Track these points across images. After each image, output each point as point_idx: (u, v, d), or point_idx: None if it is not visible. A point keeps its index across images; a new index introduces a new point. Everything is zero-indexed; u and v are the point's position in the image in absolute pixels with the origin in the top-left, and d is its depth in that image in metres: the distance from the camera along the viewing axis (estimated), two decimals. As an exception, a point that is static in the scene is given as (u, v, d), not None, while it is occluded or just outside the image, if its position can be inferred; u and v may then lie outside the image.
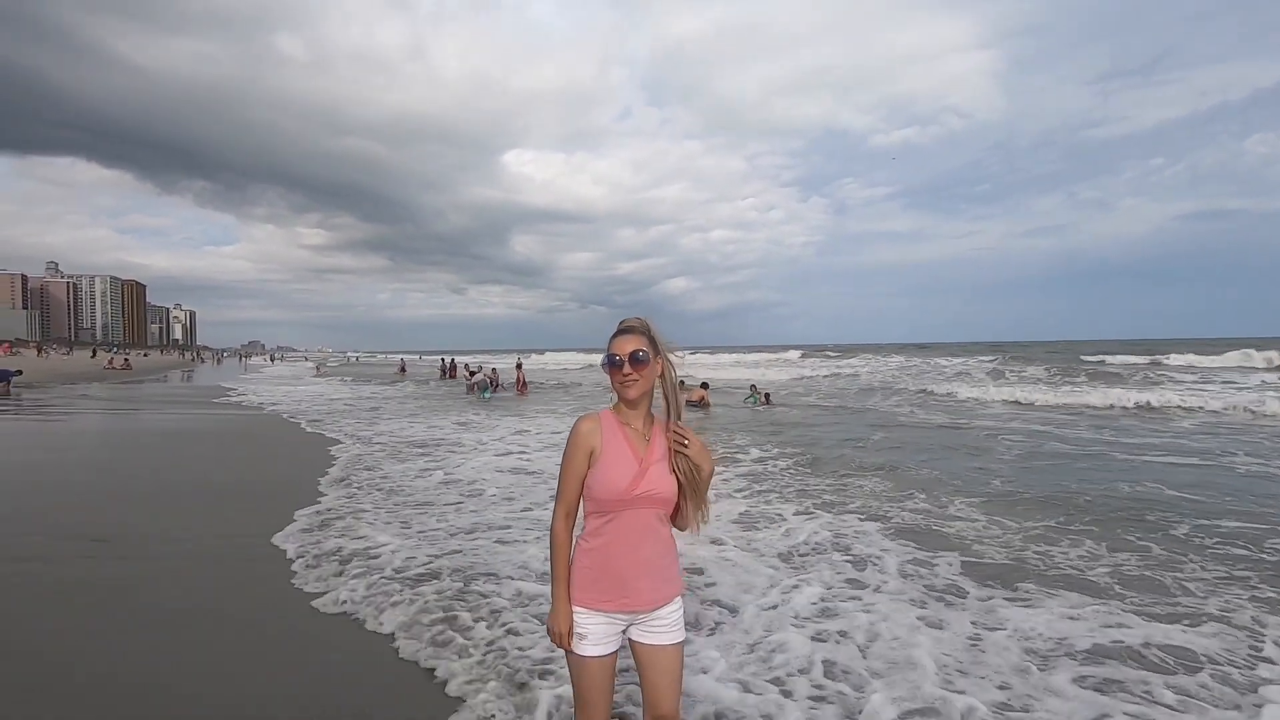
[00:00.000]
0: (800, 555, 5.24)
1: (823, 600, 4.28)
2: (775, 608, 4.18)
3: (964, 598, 4.35)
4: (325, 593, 4.42)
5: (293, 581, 4.65)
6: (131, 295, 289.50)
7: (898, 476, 8.26)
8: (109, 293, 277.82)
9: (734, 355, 55.75)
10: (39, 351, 61.34)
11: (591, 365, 49.62)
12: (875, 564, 4.99)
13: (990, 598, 4.35)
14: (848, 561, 5.05)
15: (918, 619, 3.97)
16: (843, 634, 3.80)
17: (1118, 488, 7.48)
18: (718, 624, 3.96)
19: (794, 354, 53.98)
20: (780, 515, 6.43)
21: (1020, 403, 18.17)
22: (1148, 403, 16.53)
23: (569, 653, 2.01)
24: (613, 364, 1.99)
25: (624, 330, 2.02)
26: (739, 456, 9.95)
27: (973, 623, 3.94)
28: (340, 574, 4.75)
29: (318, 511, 6.52)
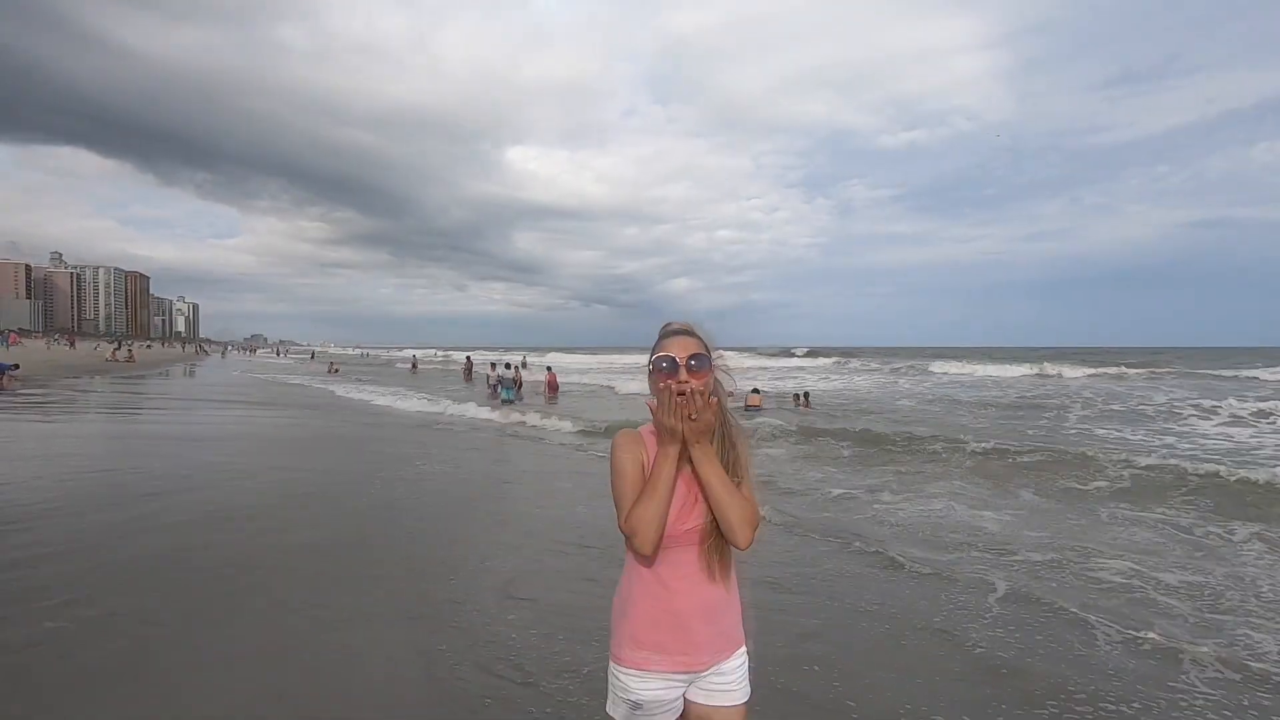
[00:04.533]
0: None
1: None
2: None
3: None
4: None
5: None
6: (135, 286, 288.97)
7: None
8: (112, 284, 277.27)
9: (756, 360, 53.15)
10: (70, 341, 59.44)
11: (590, 369, 45.28)
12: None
13: None
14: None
15: None
16: None
17: None
18: None
19: (800, 355, 51.36)
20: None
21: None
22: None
23: None
24: (666, 369, 1.59)
25: (676, 332, 1.65)
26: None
27: None
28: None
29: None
